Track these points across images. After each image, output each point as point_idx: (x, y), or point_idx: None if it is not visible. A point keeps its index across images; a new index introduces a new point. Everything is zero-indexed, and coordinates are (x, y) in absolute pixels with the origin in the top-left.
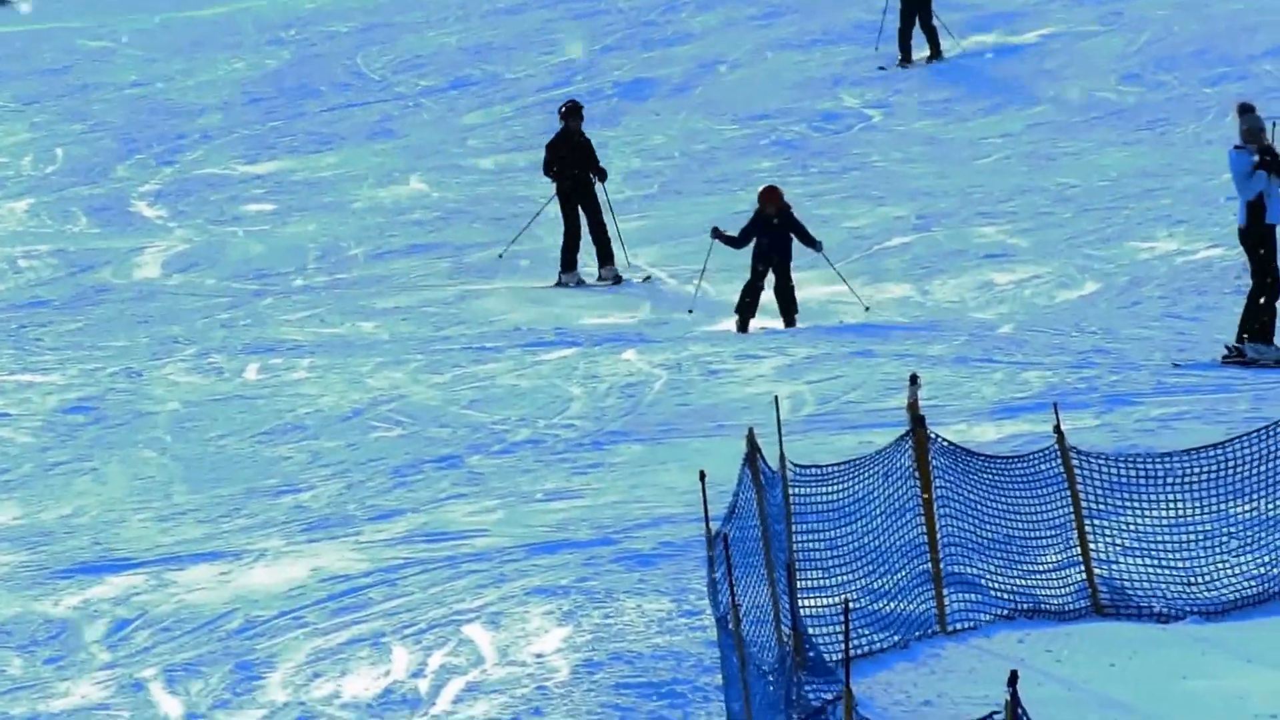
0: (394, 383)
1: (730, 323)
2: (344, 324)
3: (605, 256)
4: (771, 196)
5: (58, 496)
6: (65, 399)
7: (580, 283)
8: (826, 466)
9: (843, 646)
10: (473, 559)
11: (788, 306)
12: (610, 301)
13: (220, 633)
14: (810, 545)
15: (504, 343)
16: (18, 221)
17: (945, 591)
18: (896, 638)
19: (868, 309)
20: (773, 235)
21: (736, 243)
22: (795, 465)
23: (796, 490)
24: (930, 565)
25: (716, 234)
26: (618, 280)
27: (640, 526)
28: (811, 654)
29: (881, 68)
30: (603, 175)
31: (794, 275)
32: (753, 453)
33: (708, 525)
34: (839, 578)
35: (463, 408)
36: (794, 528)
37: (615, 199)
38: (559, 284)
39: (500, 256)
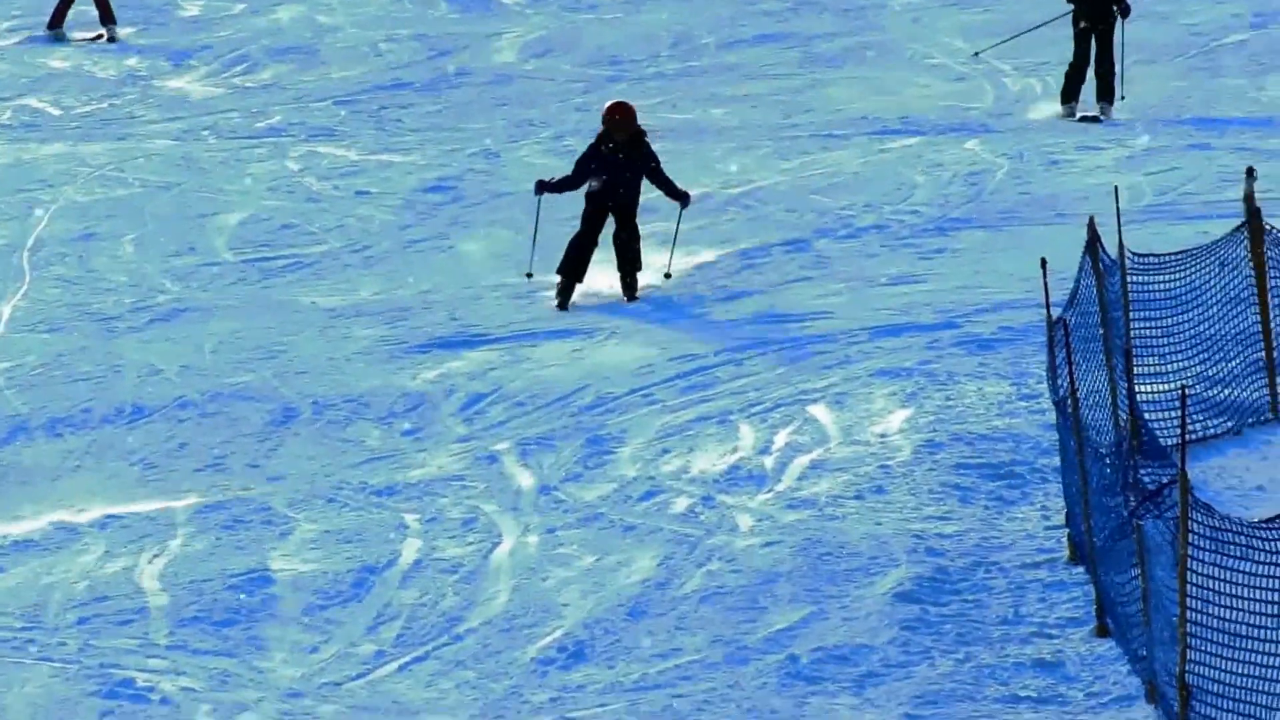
0: (743, 168)
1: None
2: (695, 110)
3: (1105, 92)
4: (618, 118)
5: (416, 273)
6: (424, 178)
7: (1075, 116)
8: (1164, 255)
9: (1178, 431)
10: (818, 340)
11: (627, 263)
12: (955, 91)
13: (572, 408)
14: (1147, 332)
15: (850, 130)
16: (379, 6)
17: (1278, 379)
18: (1230, 424)
19: (668, 276)
20: (616, 170)
21: (570, 183)
22: (1134, 254)
23: (1135, 278)
24: (1264, 354)
25: (541, 188)
26: (1098, 120)
27: (981, 311)
28: (1147, 439)
29: None
30: (1125, 10)
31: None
32: (1093, 241)
33: (1048, 311)
34: (1175, 364)
35: (810, 193)
36: (1132, 315)
37: None
38: (1063, 116)
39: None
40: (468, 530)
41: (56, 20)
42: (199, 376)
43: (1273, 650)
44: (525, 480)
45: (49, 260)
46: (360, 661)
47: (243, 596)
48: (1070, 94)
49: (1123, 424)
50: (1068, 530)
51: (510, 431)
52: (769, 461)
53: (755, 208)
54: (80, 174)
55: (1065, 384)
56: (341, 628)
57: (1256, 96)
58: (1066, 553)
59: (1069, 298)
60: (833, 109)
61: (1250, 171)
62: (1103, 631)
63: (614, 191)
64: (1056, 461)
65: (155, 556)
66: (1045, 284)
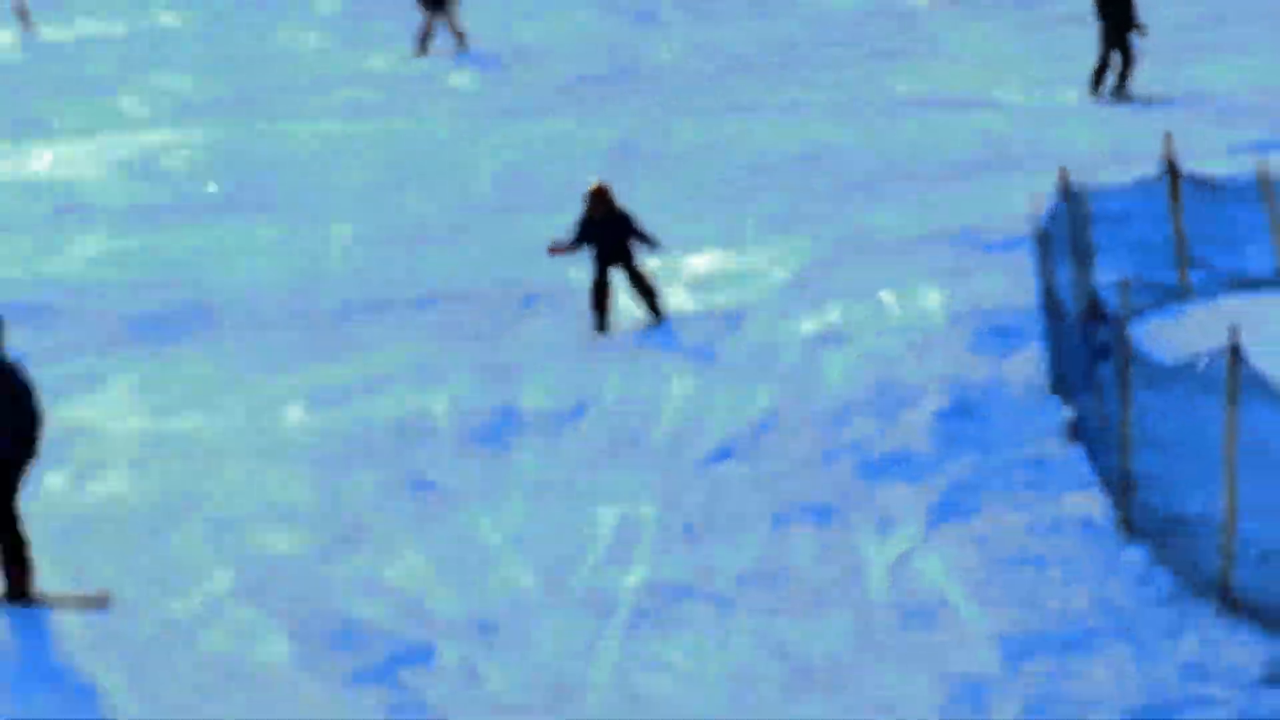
0: (826, 133)
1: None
2: (792, 92)
3: (1121, 82)
4: (597, 200)
5: None
6: (613, 140)
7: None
8: (1111, 187)
9: (1122, 307)
10: (883, 247)
11: (647, 298)
12: (982, 77)
13: (717, 297)
14: (1103, 240)
15: (904, 106)
16: (581, 25)
17: (1189, 270)
18: (1153, 301)
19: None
20: (604, 238)
21: (575, 246)
22: (1096, 187)
23: (1095, 204)
24: (1178, 253)
25: (553, 251)
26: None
27: (993, 228)
28: (1101, 311)
29: None
30: (1141, 29)
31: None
32: (1064, 180)
33: (1038, 227)
34: (1120, 262)
35: (874, 149)
36: (1092, 228)
37: None
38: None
39: None
40: (652, 375)
41: (422, 45)
42: (472, 274)
43: (1185, 452)
44: (687, 342)
45: (367, 198)
46: (578, 461)
47: (500, 421)
48: (1094, 85)
49: (1085, 301)
50: (1050, 372)
51: (676, 313)
52: (850, 328)
53: (835, 160)
54: (387, 141)
55: (1049, 275)
56: (566, 441)
57: (1199, 79)
58: (1049, 386)
59: (1050, 217)
60: (890, 90)
61: (1168, 136)
62: (1073, 438)
63: (605, 248)
64: (1042, 326)
65: (441, 395)
66: (1036, 210)
